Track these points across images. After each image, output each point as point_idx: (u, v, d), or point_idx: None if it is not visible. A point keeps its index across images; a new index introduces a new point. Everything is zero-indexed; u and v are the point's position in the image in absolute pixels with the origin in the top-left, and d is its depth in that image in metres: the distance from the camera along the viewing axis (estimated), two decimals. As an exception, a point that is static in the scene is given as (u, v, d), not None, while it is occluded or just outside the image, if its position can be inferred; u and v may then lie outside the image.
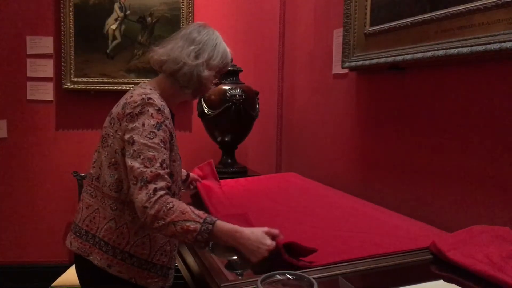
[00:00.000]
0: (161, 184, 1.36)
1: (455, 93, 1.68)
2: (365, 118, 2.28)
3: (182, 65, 1.58)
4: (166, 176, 1.39)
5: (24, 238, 3.26)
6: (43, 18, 3.17)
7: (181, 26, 3.23)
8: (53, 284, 2.58)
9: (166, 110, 1.51)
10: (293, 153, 3.18)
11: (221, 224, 1.35)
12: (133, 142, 1.41)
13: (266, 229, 1.37)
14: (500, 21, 1.42)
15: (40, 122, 3.22)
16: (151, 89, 1.56)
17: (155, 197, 1.33)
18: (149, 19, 3.21)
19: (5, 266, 3.23)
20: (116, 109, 1.54)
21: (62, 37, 3.12)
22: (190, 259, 1.53)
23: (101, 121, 3.20)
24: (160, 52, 1.62)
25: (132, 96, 1.50)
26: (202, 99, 2.93)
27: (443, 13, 1.64)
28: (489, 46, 1.43)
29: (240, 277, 1.34)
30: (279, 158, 3.49)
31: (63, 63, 3.14)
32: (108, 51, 3.19)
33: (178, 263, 1.73)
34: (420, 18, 1.76)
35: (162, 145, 1.42)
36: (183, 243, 1.64)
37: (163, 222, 1.32)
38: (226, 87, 2.87)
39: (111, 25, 3.18)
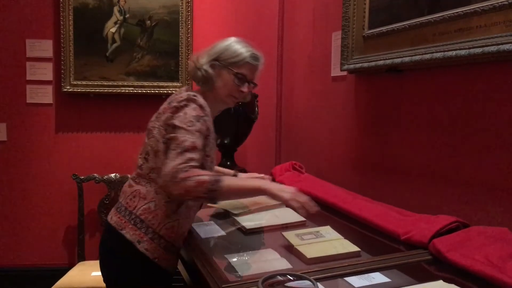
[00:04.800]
0: (196, 156, 1.52)
1: (453, 95, 1.70)
2: (364, 120, 2.29)
3: (196, 68, 1.75)
4: (202, 151, 1.56)
5: (24, 241, 3.26)
6: (43, 22, 3.17)
7: (180, 29, 3.24)
8: (52, 287, 2.58)
9: (208, 109, 1.66)
10: (292, 155, 3.19)
11: (232, 178, 1.58)
12: (174, 127, 1.57)
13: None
14: (498, 23, 1.43)
15: (40, 125, 3.22)
16: (195, 94, 1.69)
17: (187, 165, 1.47)
18: (148, 22, 3.22)
19: (5, 269, 3.22)
20: (163, 106, 1.70)
21: (62, 40, 3.13)
22: (191, 261, 1.53)
23: (101, 124, 3.26)
24: None
25: (180, 94, 1.68)
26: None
27: (440, 16, 1.66)
28: (486, 49, 1.45)
29: (240, 278, 1.34)
30: (278, 160, 3.50)
31: (62, 66, 3.14)
32: (107, 54, 3.20)
33: (178, 265, 1.73)
34: (418, 21, 1.77)
35: (198, 134, 1.57)
36: (197, 200, 1.76)
37: (178, 179, 1.45)
38: (225, 90, 2.88)
39: (111, 28, 3.19)
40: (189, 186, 1.45)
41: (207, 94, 1.76)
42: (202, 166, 1.58)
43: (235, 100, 1.81)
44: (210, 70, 1.73)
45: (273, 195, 1.54)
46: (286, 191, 1.54)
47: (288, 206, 1.54)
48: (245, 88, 1.77)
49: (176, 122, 1.58)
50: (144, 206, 1.66)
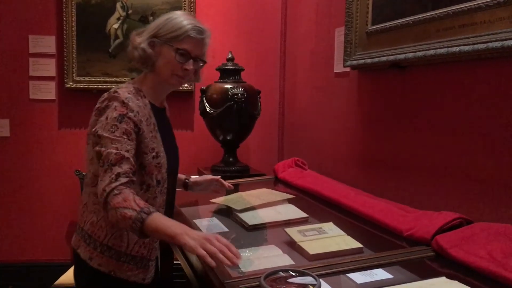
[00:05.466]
0: (125, 167, 1.40)
1: (456, 91, 1.69)
2: (366, 116, 2.29)
3: (133, 47, 1.60)
4: (131, 159, 1.43)
5: (27, 237, 3.27)
6: (46, 18, 3.18)
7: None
8: (55, 283, 2.58)
9: (133, 103, 1.50)
10: (295, 151, 3.19)
11: (158, 216, 1.33)
12: (99, 136, 1.45)
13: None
14: (502, 19, 1.42)
15: (43, 121, 3.23)
16: (129, 83, 1.61)
17: (115, 183, 1.36)
18: (151, 18, 3.21)
19: (8, 265, 3.24)
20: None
21: (65, 36, 3.13)
22: (193, 257, 1.53)
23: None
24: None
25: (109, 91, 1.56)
26: (204, 98, 2.93)
27: (444, 11, 1.65)
28: (490, 44, 1.44)
29: (243, 274, 1.34)
30: (281, 156, 3.50)
31: (65, 62, 3.15)
32: (110, 50, 3.20)
33: (181, 260, 1.73)
34: (422, 17, 1.76)
35: (125, 137, 1.45)
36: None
37: (109, 207, 1.35)
38: (228, 86, 2.88)
39: (113, 24, 3.19)
40: (116, 217, 1.35)
41: (149, 76, 1.63)
42: (143, 174, 1.51)
43: (181, 80, 1.62)
44: (148, 49, 1.57)
45: (181, 245, 1.28)
46: (194, 238, 1.25)
47: (195, 254, 1.26)
48: (189, 65, 1.58)
49: (99, 130, 1.46)
50: (90, 220, 1.56)
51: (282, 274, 1.14)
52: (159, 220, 1.32)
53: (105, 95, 1.53)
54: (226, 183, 2.04)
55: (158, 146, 1.58)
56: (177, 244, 1.30)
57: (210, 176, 2.05)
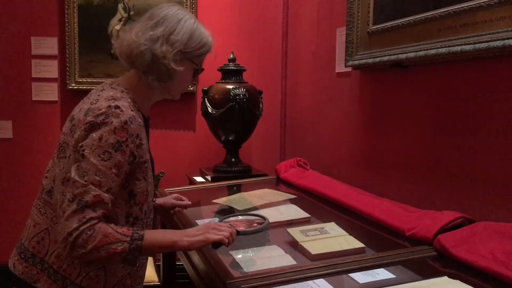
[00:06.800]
0: (99, 212, 1.18)
1: (458, 90, 1.69)
2: (368, 116, 2.29)
3: (135, 45, 1.35)
4: (108, 203, 1.21)
5: (30, 238, 3.28)
6: (48, 19, 3.18)
7: (184, 26, 3.23)
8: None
9: (134, 124, 1.26)
10: (297, 151, 3.19)
11: (149, 235, 1.23)
12: (83, 156, 1.20)
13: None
14: (503, 18, 1.42)
15: (45, 123, 3.23)
16: (122, 91, 1.35)
17: (85, 226, 1.15)
18: (152, 19, 3.22)
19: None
20: (77, 114, 1.30)
21: (67, 38, 3.14)
22: (195, 257, 1.53)
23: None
24: (117, 41, 1.44)
25: (98, 100, 1.28)
26: (206, 99, 2.94)
27: (446, 10, 1.65)
28: (492, 44, 1.43)
29: (245, 274, 1.35)
30: (282, 157, 3.50)
31: (67, 64, 3.16)
32: (112, 51, 3.18)
33: (183, 260, 1.74)
34: (423, 16, 1.76)
35: (114, 171, 1.22)
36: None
37: (83, 251, 1.15)
38: (230, 87, 2.88)
39: (115, 25, 3.20)
40: (100, 257, 1.17)
41: (144, 83, 1.39)
42: (131, 205, 1.31)
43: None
44: (177, 67, 1.35)
45: (186, 248, 1.30)
46: (196, 234, 1.28)
47: (209, 243, 1.29)
48: (196, 80, 1.49)
49: (87, 149, 1.20)
50: (55, 252, 1.29)
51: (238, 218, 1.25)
52: (153, 238, 1.25)
53: (103, 107, 1.24)
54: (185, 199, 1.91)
55: (147, 170, 1.35)
56: (181, 250, 1.29)
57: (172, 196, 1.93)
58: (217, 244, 1.30)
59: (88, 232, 1.16)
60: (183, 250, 1.37)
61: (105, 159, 1.21)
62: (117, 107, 1.25)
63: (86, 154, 1.20)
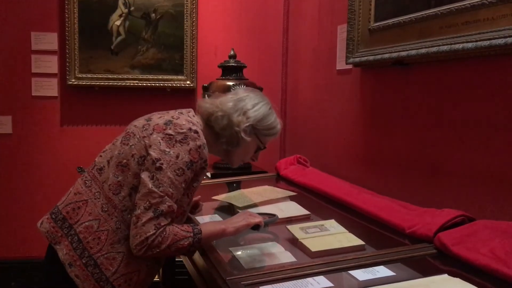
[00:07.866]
0: (169, 219, 1.38)
1: (459, 88, 1.68)
2: (369, 114, 2.28)
3: (217, 109, 1.57)
4: (175, 211, 1.41)
5: (28, 234, 3.27)
6: (48, 14, 3.17)
7: (185, 22, 3.23)
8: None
9: (206, 151, 1.47)
10: (297, 149, 3.18)
11: (204, 227, 1.45)
12: (160, 169, 1.38)
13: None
14: (505, 16, 1.42)
15: (45, 118, 3.23)
16: (198, 126, 1.52)
17: (159, 231, 1.34)
18: (153, 15, 3.21)
19: (10, 262, 3.24)
20: (157, 120, 1.50)
21: (67, 33, 3.13)
22: (195, 254, 1.53)
23: (106, 117, 3.27)
24: (201, 101, 1.68)
25: (179, 118, 1.49)
26: (206, 95, 2.93)
27: (447, 8, 1.64)
28: (494, 41, 1.43)
29: (244, 271, 1.35)
30: (283, 154, 3.50)
31: (67, 59, 3.14)
32: (112, 47, 3.20)
33: (183, 257, 1.74)
34: (425, 14, 1.75)
35: (184, 185, 1.41)
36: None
37: (158, 250, 1.34)
38: (230, 83, 2.87)
39: (115, 21, 3.19)
40: (168, 254, 1.39)
41: (213, 136, 1.58)
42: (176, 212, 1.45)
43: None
44: (246, 137, 1.56)
45: (233, 234, 1.51)
46: (239, 220, 1.52)
47: (250, 226, 1.53)
48: (256, 157, 1.71)
49: (165, 164, 1.38)
50: (86, 223, 1.43)
51: None
52: (208, 230, 1.45)
53: (184, 128, 1.44)
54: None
55: (195, 190, 1.54)
56: (229, 235, 1.49)
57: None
58: (256, 226, 1.53)
59: (162, 235, 1.34)
60: (231, 236, 1.51)
61: (179, 174, 1.39)
62: (196, 132, 1.45)
63: (164, 168, 1.38)
